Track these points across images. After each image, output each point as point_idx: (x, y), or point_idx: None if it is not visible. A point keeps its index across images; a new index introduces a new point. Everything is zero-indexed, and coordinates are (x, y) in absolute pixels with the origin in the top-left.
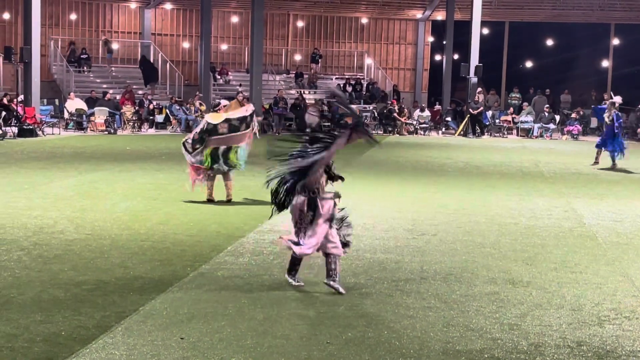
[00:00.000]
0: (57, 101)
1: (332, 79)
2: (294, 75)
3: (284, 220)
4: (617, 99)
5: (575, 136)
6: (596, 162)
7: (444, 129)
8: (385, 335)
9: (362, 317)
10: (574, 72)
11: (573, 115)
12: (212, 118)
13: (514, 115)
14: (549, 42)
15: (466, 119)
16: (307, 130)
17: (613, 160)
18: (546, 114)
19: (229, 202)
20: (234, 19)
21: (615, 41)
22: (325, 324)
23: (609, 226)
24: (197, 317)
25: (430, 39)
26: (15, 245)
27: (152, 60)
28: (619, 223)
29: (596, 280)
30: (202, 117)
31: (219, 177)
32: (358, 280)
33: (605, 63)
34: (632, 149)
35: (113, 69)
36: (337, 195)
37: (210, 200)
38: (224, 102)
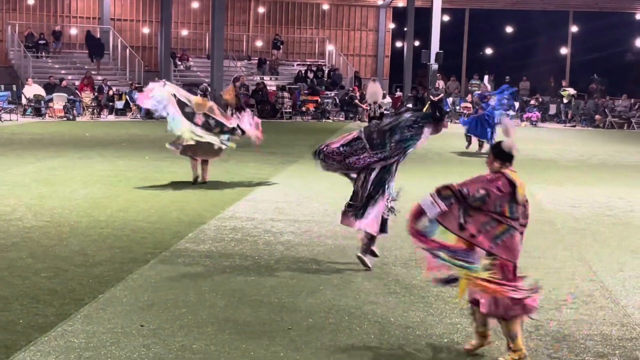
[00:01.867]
0: (14, 87)
1: (293, 65)
2: (256, 61)
3: (246, 207)
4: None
5: (534, 123)
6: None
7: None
8: (346, 320)
9: (323, 303)
10: (533, 59)
11: (532, 102)
12: (196, 104)
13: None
14: (509, 30)
15: (427, 106)
16: (377, 108)
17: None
18: (505, 100)
19: (203, 183)
20: (195, 5)
21: (574, 28)
22: (286, 310)
23: (567, 212)
24: (157, 305)
25: (392, 25)
26: None
27: (111, 45)
28: (576, 209)
29: (554, 265)
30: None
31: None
32: (320, 267)
33: (564, 50)
34: (589, 135)
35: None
36: None
37: (195, 182)
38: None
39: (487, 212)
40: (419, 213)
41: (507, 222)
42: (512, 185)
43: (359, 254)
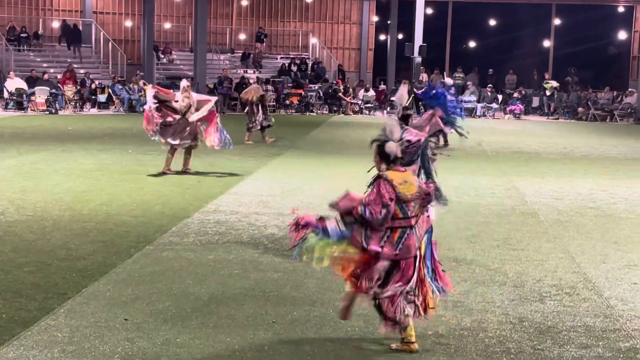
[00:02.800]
0: None
1: (277, 58)
2: (239, 55)
3: (230, 201)
4: (448, 81)
5: (517, 115)
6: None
7: (388, 109)
8: (330, 314)
9: (307, 297)
10: (517, 52)
11: (515, 94)
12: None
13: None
14: (492, 22)
15: (410, 98)
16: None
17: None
18: (489, 93)
19: (184, 172)
20: None
21: (557, 21)
22: (270, 303)
23: (551, 204)
24: (141, 298)
25: (375, 18)
26: None
27: (93, 39)
28: (559, 201)
29: (538, 257)
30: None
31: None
32: (304, 260)
33: (547, 43)
34: (571, 128)
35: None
36: None
37: (165, 173)
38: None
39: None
40: (315, 227)
41: (401, 225)
42: (392, 185)
43: None
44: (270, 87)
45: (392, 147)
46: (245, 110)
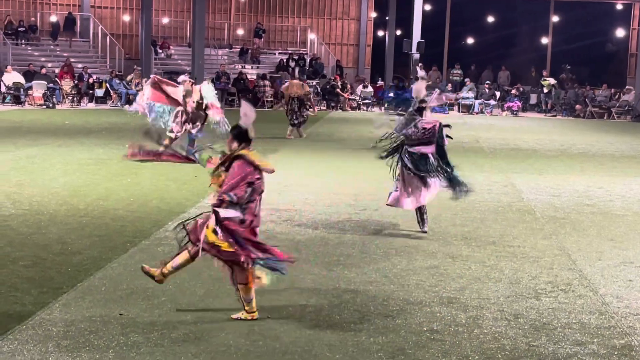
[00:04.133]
0: None
1: (275, 54)
2: (237, 50)
3: None
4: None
5: (515, 112)
6: None
7: (386, 105)
8: (326, 309)
9: (303, 291)
10: (515, 49)
11: (513, 91)
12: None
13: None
14: (490, 19)
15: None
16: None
17: None
18: (487, 90)
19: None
20: None
21: (555, 18)
22: (266, 298)
23: (547, 201)
24: (136, 293)
25: (374, 14)
26: None
27: (91, 33)
28: (556, 198)
29: (533, 254)
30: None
31: None
32: (300, 255)
33: (545, 40)
34: (569, 125)
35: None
36: None
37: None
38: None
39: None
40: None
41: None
42: (254, 165)
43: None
44: (267, 83)
45: (248, 127)
46: (282, 106)
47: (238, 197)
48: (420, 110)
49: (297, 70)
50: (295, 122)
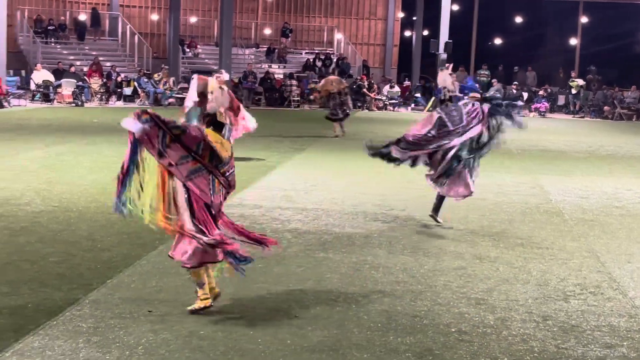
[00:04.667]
0: (23, 72)
1: (301, 54)
2: (264, 50)
3: (253, 195)
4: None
5: (542, 113)
6: None
7: (413, 105)
8: (353, 309)
9: (330, 291)
10: (543, 50)
11: (540, 92)
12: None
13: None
14: (518, 19)
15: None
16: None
17: None
18: (514, 91)
19: None
20: None
21: (584, 19)
22: (293, 297)
23: (575, 202)
24: (165, 290)
25: (401, 14)
26: None
27: (119, 32)
28: (585, 199)
29: (562, 256)
30: (171, 90)
31: None
32: (327, 255)
33: (574, 41)
34: (597, 127)
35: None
36: None
37: None
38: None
39: (185, 148)
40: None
41: (205, 165)
42: (207, 142)
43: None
44: (294, 82)
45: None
46: (325, 103)
47: (166, 119)
48: (450, 99)
49: (336, 70)
50: (341, 115)
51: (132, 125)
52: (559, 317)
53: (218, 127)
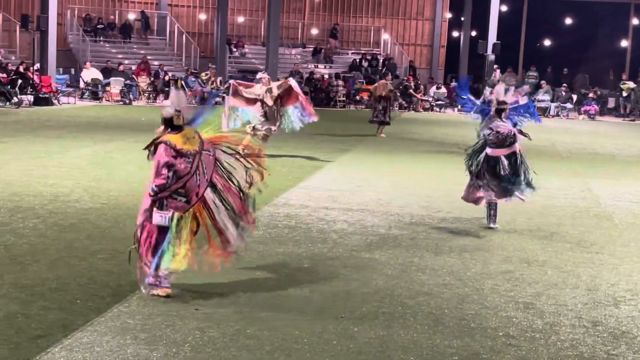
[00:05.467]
0: (72, 70)
1: (348, 54)
2: (311, 50)
3: (299, 195)
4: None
5: (592, 116)
6: None
7: (460, 106)
8: (399, 311)
9: (376, 292)
10: (593, 52)
11: (590, 95)
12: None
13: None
14: (568, 21)
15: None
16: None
17: None
18: (563, 93)
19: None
20: None
21: (635, 21)
22: (339, 298)
23: (626, 207)
24: (212, 289)
25: (448, 15)
26: (31, 213)
27: (167, 31)
28: (635, 204)
29: (612, 261)
30: (217, 89)
31: None
32: (372, 256)
33: (624, 43)
34: None
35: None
36: None
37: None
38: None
39: (184, 176)
40: (156, 231)
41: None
42: (173, 147)
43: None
44: (340, 82)
45: (169, 113)
46: (374, 104)
47: (158, 186)
48: (499, 112)
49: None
50: (375, 119)
51: (163, 220)
52: (609, 322)
53: (176, 129)
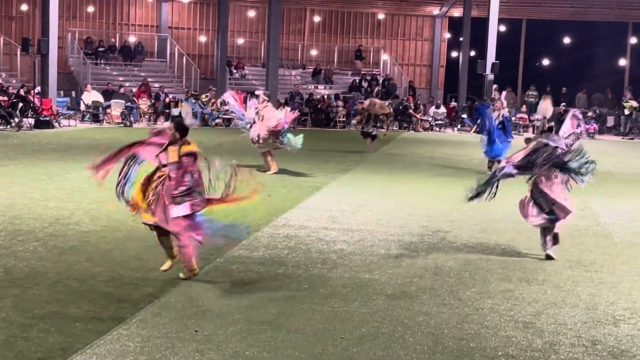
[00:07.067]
0: (73, 93)
1: (347, 74)
2: (311, 70)
3: (299, 215)
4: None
5: (591, 135)
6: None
7: (459, 126)
8: (399, 331)
9: (376, 313)
10: (591, 71)
11: (589, 114)
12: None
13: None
14: (566, 40)
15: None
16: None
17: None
18: (562, 112)
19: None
20: (251, 13)
21: (633, 40)
22: (339, 319)
23: (625, 225)
24: (211, 311)
25: (447, 35)
26: (32, 236)
27: (168, 53)
28: (635, 222)
29: (611, 280)
30: (218, 111)
31: None
32: (372, 276)
33: (623, 62)
34: None
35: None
36: None
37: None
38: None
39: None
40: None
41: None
42: (194, 155)
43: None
44: (340, 103)
45: (190, 123)
46: (364, 121)
47: (187, 188)
48: (550, 130)
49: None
50: (364, 130)
51: (183, 209)
52: (609, 341)
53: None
